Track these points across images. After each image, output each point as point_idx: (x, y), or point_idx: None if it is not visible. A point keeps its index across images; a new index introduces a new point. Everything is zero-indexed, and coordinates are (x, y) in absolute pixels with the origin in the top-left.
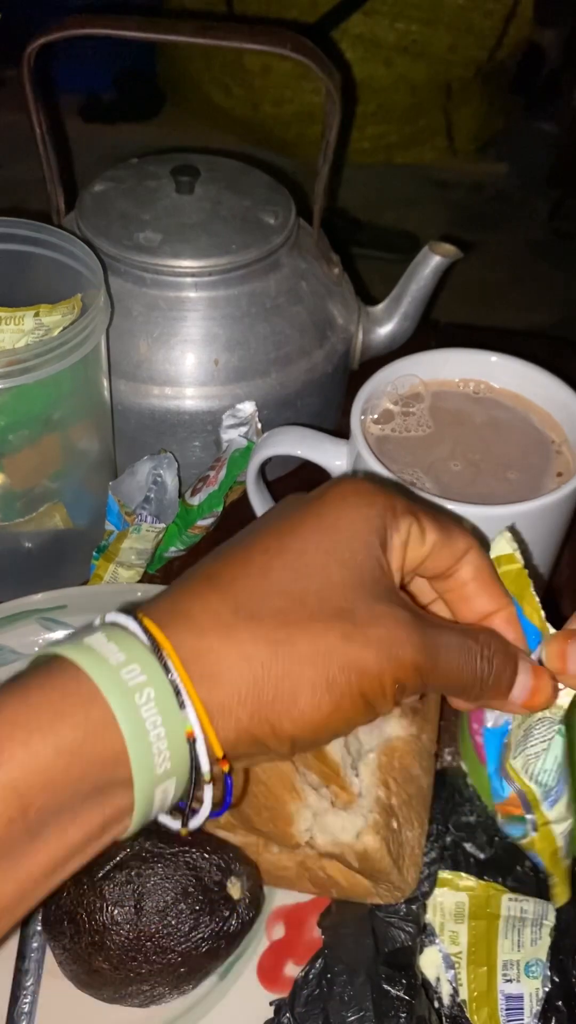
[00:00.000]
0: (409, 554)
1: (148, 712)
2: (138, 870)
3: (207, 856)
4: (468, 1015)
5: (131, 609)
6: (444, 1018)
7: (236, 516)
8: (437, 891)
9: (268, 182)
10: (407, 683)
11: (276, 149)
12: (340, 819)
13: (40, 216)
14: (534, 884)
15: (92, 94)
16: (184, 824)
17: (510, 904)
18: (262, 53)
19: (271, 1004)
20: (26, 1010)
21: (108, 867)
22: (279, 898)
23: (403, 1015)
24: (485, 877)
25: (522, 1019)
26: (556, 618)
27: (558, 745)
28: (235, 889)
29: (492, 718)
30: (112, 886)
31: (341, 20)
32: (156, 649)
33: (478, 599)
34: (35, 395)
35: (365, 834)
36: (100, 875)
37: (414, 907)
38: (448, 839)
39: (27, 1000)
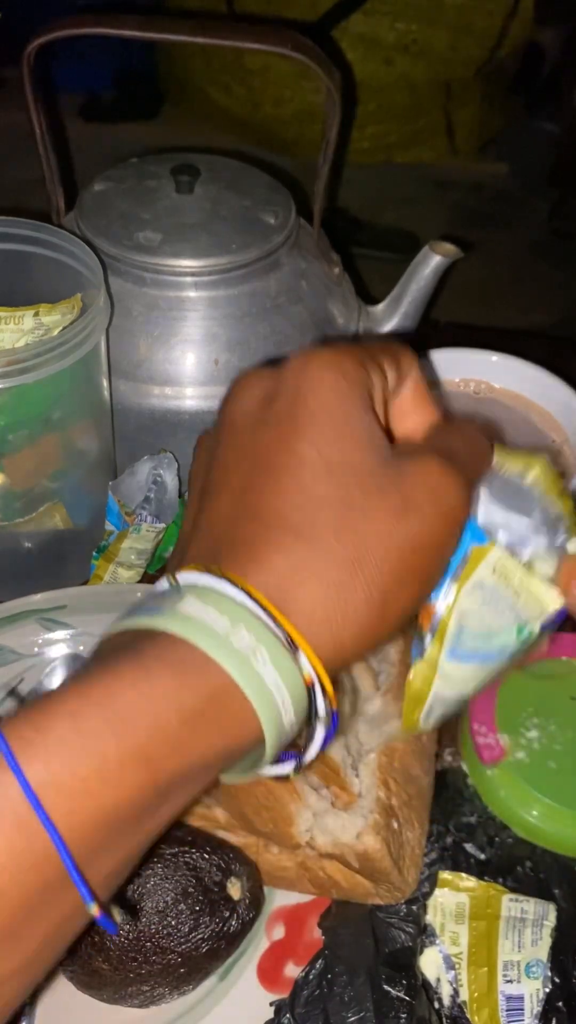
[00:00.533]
0: (383, 400)
1: (269, 674)
2: (138, 870)
3: (207, 856)
4: (468, 1016)
5: (199, 565)
6: (444, 1019)
7: None
8: (437, 892)
9: (268, 182)
10: (465, 515)
11: (276, 149)
12: (340, 819)
13: (40, 216)
14: (535, 884)
15: (92, 94)
16: (298, 768)
17: (510, 905)
18: (262, 52)
19: (271, 1005)
20: (25, 1011)
21: None
22: (279, 898)
23: (403, 1016)
24: (485, 877)
25: (523, 1020)
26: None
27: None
28: (235, 889)
29: None
30: None
31: (341, 19)
32: (253, 603)
33: (415, 414)
34: (35, 395)
35: (365, 835)
36: None
37: (414, 908)
38: (448, 839)
39: (27, 1001)
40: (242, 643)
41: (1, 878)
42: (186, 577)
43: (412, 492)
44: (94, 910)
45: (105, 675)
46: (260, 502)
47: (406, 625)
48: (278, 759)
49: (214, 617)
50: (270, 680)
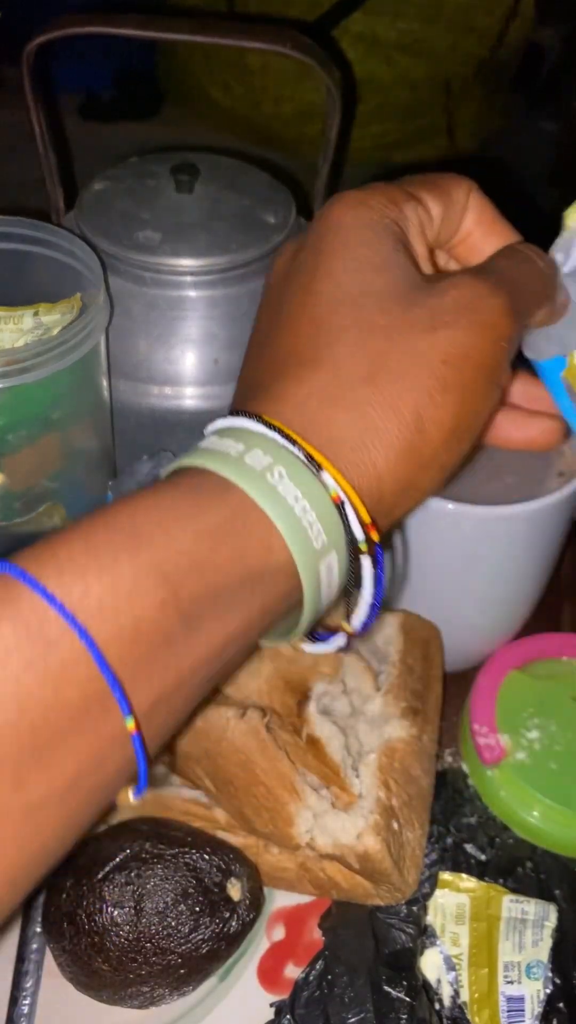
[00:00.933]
0: (426, 235)
1: (286, 488)
2: (138, 871)
3: (207, 857)
4: (469, 1017)
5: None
6: (445, 1020)
7: None
8: (438, 892)
9: (268, 181)
10: (510, 332)
11: (276, 148)
12: (340, 820)
13: (39, 215)
14: (535, 885)
15: (91, 93)
16: (348, 643)
17: (511, 905)
18: (262, 51)
19: (271, 1006)
20: (25, 1012)
21: (108, 868)
22: (279, 899)
23: (404, 1017)
24: (486, 878)
25: (523, 1021)
26: (556, 622)
27: None
28: (235, 890)
29: (535, 348)
30: (112, 887)
31: (341, 18)
32: (267, 428)
33: (487, 242)
34: (34, 395)
35: (366, 835)
36: (100, 876)
37: (415, 909)
38: (449, 840)
39: (26, 1001)
40: (256, 461)
41: (35, 689)
42: (214, 425)
43: (441, 307)
44: (131, 725)
45: (120, 505)
46: (278, 346)
47: (461, 452)
48: (321, 637)
49: (229, 444)
50: (289, 494)
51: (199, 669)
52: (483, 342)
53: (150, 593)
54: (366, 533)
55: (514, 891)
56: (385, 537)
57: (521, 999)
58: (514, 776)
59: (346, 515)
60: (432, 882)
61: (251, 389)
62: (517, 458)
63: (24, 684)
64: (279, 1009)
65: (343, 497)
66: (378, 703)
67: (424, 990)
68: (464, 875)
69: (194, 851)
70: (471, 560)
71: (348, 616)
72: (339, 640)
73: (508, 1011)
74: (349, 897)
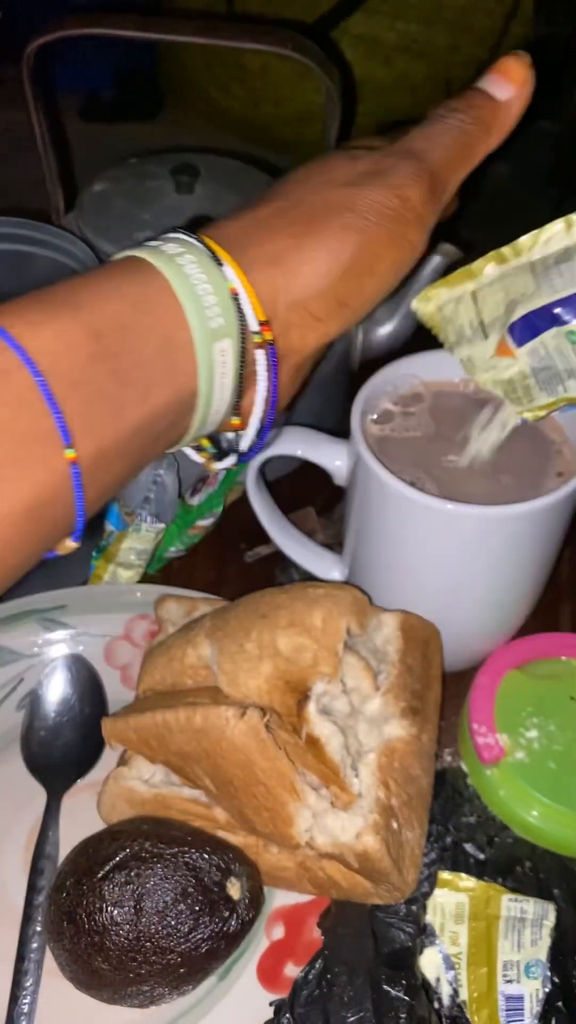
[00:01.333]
0: None
1: (192, 271)
2: (137, 871)
3: (207, 857)
4: (468, 1016)
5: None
6: (444, 1019)
7: (236, 516)
8: (437, 892)
9: (268, 181)
10: (422, 198)
11: (276, 149)
12: (340, 820)
13: (40, 216)
14: (534, 884)
15: (92, 93)
16: (244, 453)
17: (510, 905)
18: (262, 53)
19: (271, 1004)
20: (25, 1011)
21: (108, 868)
22: (279, 898)
23: (403, 1016)
24: (485, 878)
25: (522, 1020)
26: (555, 622)
27: None
28: (235, 889)
29: None
30: (112, 887)
31: (341, 19)
32: (192, 236)
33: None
34: None
35: (365, 835)
36: (100, 876)
37: (414, 908)
38: (448, 839)
39: (26, 1001)
40: (174, 252)
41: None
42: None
43: (359, 167)
44: (71, 454)
45: (65, 280)
46: (248, 210)
47: (360, 290)
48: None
49: (163, 245)
50: (194, 276)
51: (130, 426)
52: (391, 199)
53: (83, 347)
54: (260, 329)
55: (513, 890)
56: (293, 363)
57: (520, 998)
58: (513, 775)
59: (240, 306)
60: (431, 881)
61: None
62: (516, 458)
63: None
64: (278, 1008)
65: (240, 289)
66: (377, 703)
67: (423, 989)
68: (463, 874)
69: (194, 850)
70: (470, 560)
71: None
72: (231, 459)
73: (507, 1010)
74: (348, 896)
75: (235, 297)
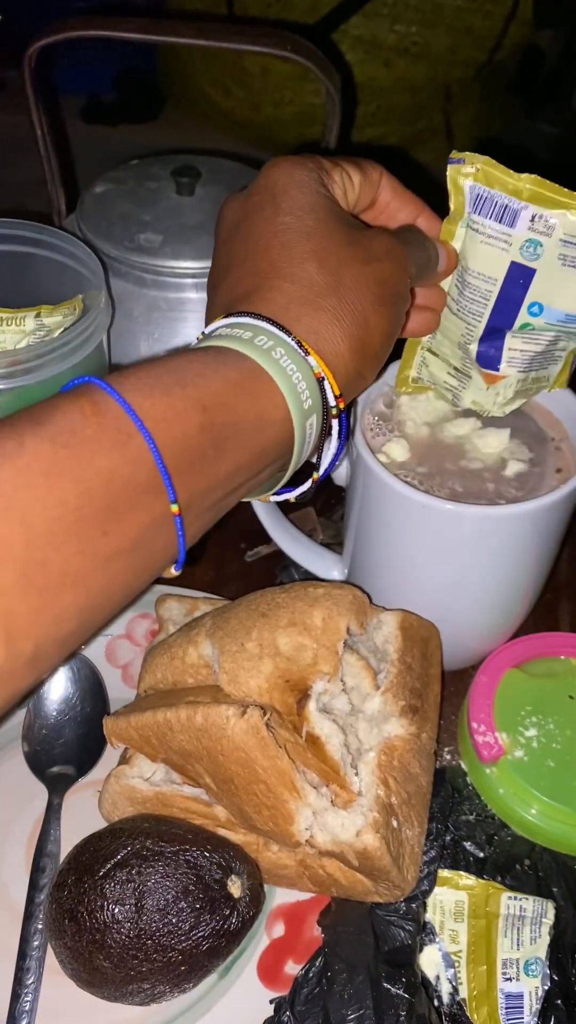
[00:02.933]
0: (348, 198)
1: (286, 363)
2: (139, 868)
3: (207, 854)
4: (468, 1013)
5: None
6: (444, 1016)
7: (236, 516)
8: (437, 890)
9: None
10: (410, 272)
11: (276, 150)
12: (340, 818)
13: (41, 217)
14: (533, 882)
15: (93, 96)
16: (317, 463)
17: (509, 903)
18: (262, 55)
19: (271, 1002)
20: (27, 1008)
21: (109, 865)
22: (279, 896)
23: (403, 1013)
24: (484, 876)
25: (522, 1018)
26: (554, 621)
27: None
28: (235, 887)
29: None
30: (113, 884)
31: (341, 22)
32: (269, 323)
33: (401, 212)
34: (36, 396)
35: (365, 833)
36: (101, 873)
37: (414, 906)
38: (448, 838)
39: (28, 998)
40: (262, 343)
41: (118, 466)
42: (218, 323)
43: (372, 247)
44: (175, 508)
45: (169, 357)
46: (258, 263)
47: (389, 349)
48: (288, 490)
49: (239, 331)
50: (288, 368)
51: (221, 484)
52: (399, 274)
53: (193, 418)
54: (336, 402)
55: (512, 888)
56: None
57: (520, 996)
58: (512, 774)
59: (324, 388)
60: (431, 879)
61: (235, 300)
62: (516, 456)
63: (109, 462)
64: (279, 1006)
65: (322, 375)
66: (377, 701)
67: (423, 987)
68: (463, 872)
69: (195, 848)
70: (469, 559)
71: (317, 468)
72: (308, 485)
73: (507, 1008)
74: (348, 894)
75: (319, 380)
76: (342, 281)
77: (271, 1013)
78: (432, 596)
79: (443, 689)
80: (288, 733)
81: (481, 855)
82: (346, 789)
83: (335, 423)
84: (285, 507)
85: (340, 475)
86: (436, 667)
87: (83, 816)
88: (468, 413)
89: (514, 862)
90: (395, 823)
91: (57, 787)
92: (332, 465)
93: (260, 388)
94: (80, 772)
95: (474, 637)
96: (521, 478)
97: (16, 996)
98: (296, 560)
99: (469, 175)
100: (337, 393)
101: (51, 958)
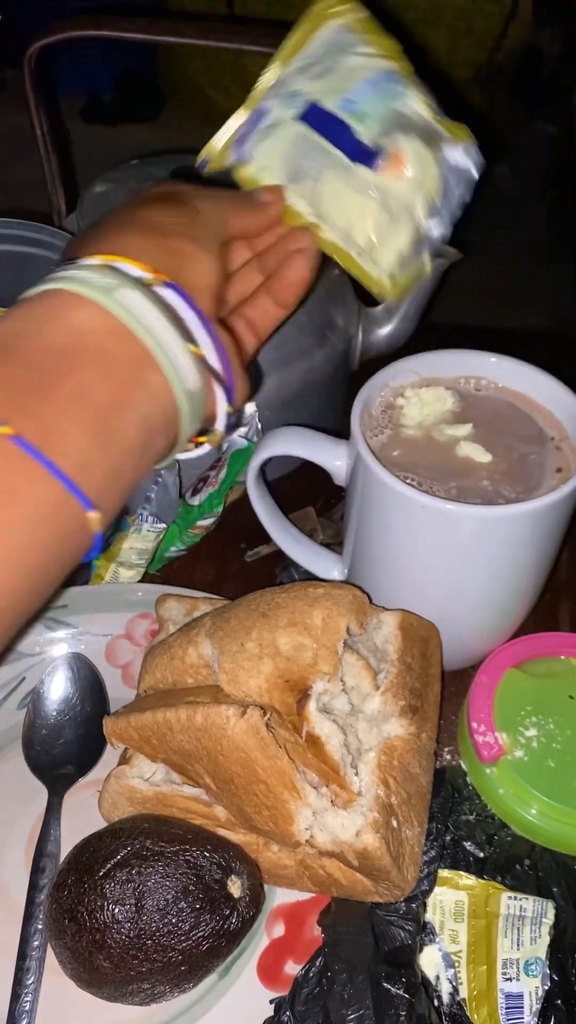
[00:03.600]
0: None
1: (82, 274)
2: (139, 868)
3: (207, 855)
4: (468, 1013)
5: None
6: (444, 1016)
7: (236, 516)
8: (437, 889)
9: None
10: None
11: None
12: (340, 818)
13: (41, 217)
14: (533, 882)
15: (93, 96)
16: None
17: (509, 903)
18: (262, 55)
19: (271, 1002)
20: (27, 1008)
21: (109, 865)
22: (279, 896)
23: (403, 1013)
24: (484, 876)
25: (522, 1018)
26: (554, 621)
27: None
28: (235, 887)
29: None
30: (113, 884)
31: None
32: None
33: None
34: None
35: (365, 832)
36: (101, 873)
37: (414, 906)
38: (448, 838)
39: (28, 998)
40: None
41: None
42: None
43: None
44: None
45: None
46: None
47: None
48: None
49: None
50: (84, 276)
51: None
52: (176, 189)
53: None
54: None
55: (512, 888)
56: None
57: (520, 996)
58: (512, 774)
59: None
60: (431, 879)
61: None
62: (515, 456)
63: None
64: (279, 1006)
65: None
66: (377, 701)
67: (423, 987)
68: (463, 872)
69: (195, 848)
70: (469, 560)
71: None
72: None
73: (507, 1008)
74: (348, 894)
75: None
76: (125, 206)
77: (271, 1013)
78: (432, 596)
79: (443, 689)
80: (288, 733)
81: (481, 855)
82: (346, 789)
83: (177, 301)
84: (285, 507)
85: (340, 475)
86: (436, 667)
87: (83, 816)
88: (464, 417)
89: (514, 862)
90: (395, 823)
91: (57, 787)
92: (226, 363)
93: (59, 302)
94: (80, 772)
95: (474, 637)
96: (521, 477)
97: (16, 996)
98: (296, 560)
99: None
100: (154, 278)
101: (51, 958)
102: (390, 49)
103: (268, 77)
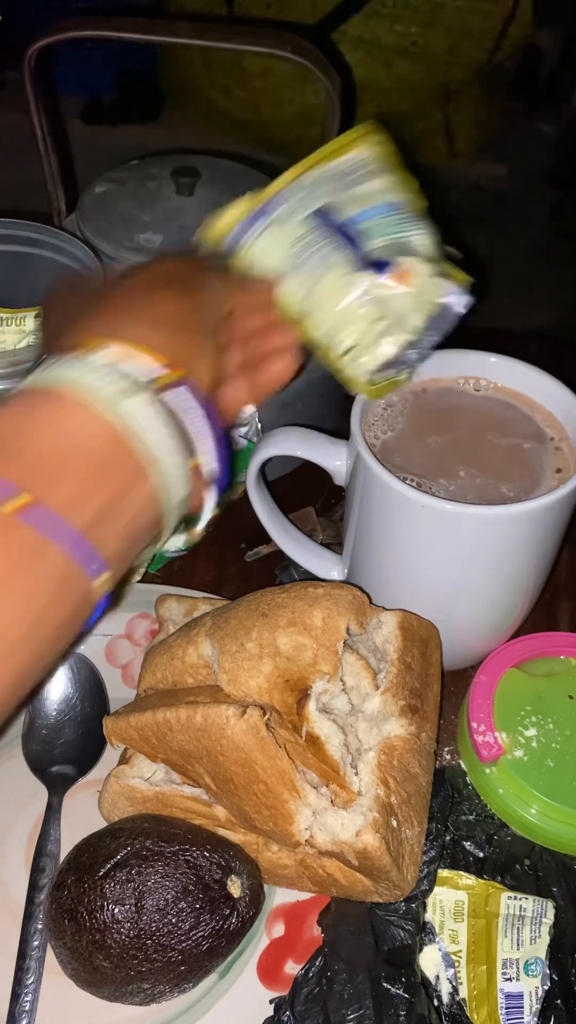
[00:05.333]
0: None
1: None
2: (139, 868)
3: (207, 854)
4: (468, 1013)
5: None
6: (444, 1017)
7: (236, 516)
8: (437, 889)
9: (268, 183)
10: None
11: (276, 151)
12: (340, 817)
13: (41, 217)
14: (533, 883)
15: (93, 96)
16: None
17: (509, 902)
18: (262, 55)
19: (271, 1002)
20: (27, 1008)
21: (109, 865)
22: (279, 896)
23: (403, 1013)
24: (484, 876)
25: (522, 1018)
26: (553, 621)
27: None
28: (235, 887)
29: None
30: (113, 884)
31: (341, 22)
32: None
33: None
34: None
35: (364, 832)
36: (101, 873)
37: (413, 906)
38: (448, 837)
39: (28, 998)
40: (50, 367)
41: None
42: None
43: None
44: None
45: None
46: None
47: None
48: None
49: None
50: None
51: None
52: (179, 264)
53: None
54: (158, 375)
55: (512, 888)
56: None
57: (519, 996)
58: (512, 774)
59: (130, 369)
60: (431, 879)
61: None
62: (515, 456)
63: None
64: (279, 1006)
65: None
66: (377, 701)
67: (423, 987)
68: (463, 872)
69: (194, 848)
70: (469, 559)
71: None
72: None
73: (507, 1008)
74: (348, 894)
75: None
76: (128, 288)
77: (271, 1013)
78: (432, 596)
79: (443, 689)
80: (288, 733)
81: (481, 855)
82: (346, 789)
83: (186, 401)
84: (285, 507)
85: (340, 475)
86: (436, 667)
87: (83, 816)
88: (462, 417)
89: (514, 862)
90: (395, 823)
91: (57, 787)
92: (223, 461)
93: (50, 401)
94: (80, 772)
95: (474, 637)
96: (521, 477)
97: (16, 996)
98: (296, 560)
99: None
100: (158, 366)
101: (51, 958)
102: (409, 186)
103: (285, 177)
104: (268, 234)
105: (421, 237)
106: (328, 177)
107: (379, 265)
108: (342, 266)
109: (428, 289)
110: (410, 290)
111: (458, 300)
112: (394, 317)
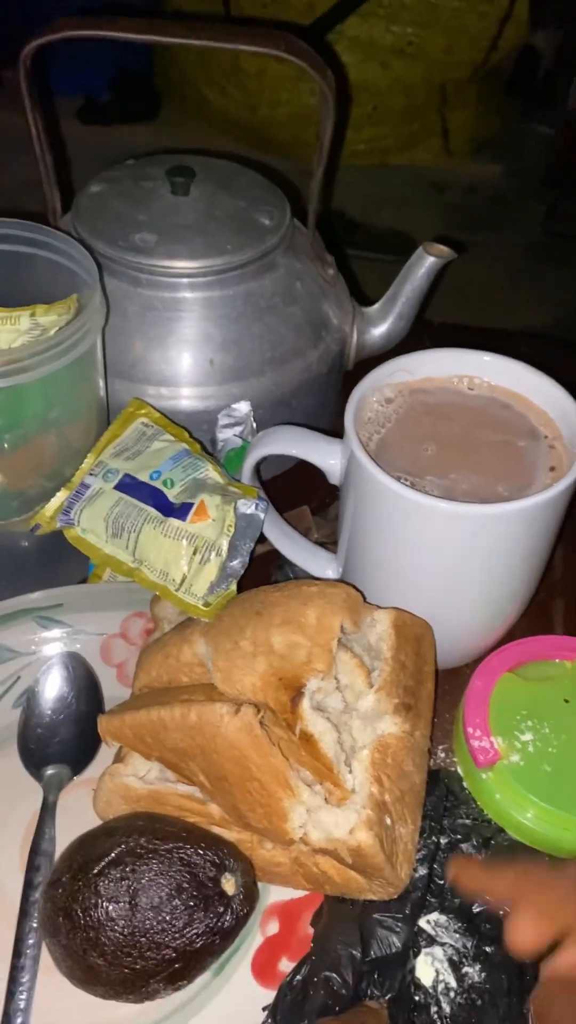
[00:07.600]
0: None
1: None
2: (133, 866)
3: (201, 852)
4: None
5: None
6: (444, 1019)
7: None
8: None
9: (263, 183)
10: None
11: (272, 151)
12: (334, 815)
13: (36, 217)
14: None
15: (89, 96)
16: None
17: None
18: (258, 55)
19: (263, 1010)
20: (22, 1007)
21: (103, 864)
22: (273, 894)
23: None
24: None
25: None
26: (548, 622)
27: None
28: (229, 885)
29: None
30: (107, 882)
31: (337, 22)
32: None
33: None
34: (31, 395)
35: (358, 830)
36: (95, 872)
37: (407, 910)
38: (444, 841)
39: (23, 997)
40: None
41: None
42: None
43: None
44: None
45: None
46: None
47: None
48: None
49: None
50: None
51: None
52: None
53: None
54: None
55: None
56: None
57: None
58: (508, 778)
59: None
60: (424, 882)
61: None
62: (509, 454)
63: None
64: (270, 1011)
65: None
66: (371, 699)
67: (412, 995)
68: None
69: (189, 846)
70: (463, 558)
71: None
72: None
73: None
74: (342, 892)
75: None
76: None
77: (265, 1011)
78: (426, 594)
79: (437, 687)
80: (282, 731)
81: (480, 857)
82: (340, 787)
83: None
84: (280, 506)
85: (335, 474)
86: (430, 665)
87: (78, 814)
88: (459, 416)
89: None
90: (388, 821)
91: (52, 786)
92: None
93: None
94: (75, 771)
95: (468, 635)
96: (515, 475)
97: (11, 994)
98: (291, 559)
99: None
100: None
101: (46, 956)
102: (183, 436)
103: (88, 462)
104: (88, 510)
105: (209, 471)
106: (121, 450)
107: (181, 509)
108: (154, 518)
109: (225, 513)
110: (212, 520)
111: (253, 509)
112: (206, 546)
